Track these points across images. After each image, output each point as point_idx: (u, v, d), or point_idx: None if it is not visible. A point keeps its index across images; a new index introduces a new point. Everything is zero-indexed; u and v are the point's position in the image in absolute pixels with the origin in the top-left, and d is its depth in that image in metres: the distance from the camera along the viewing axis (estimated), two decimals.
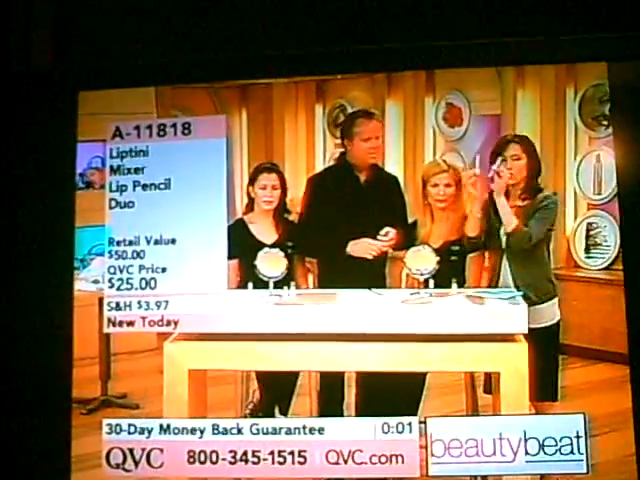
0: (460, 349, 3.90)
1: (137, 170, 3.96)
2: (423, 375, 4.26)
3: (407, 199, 4.52)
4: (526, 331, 3.88)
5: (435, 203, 4.38)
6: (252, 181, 4.52)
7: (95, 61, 4.03)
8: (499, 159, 4.17)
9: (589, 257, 5.20)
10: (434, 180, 4.37)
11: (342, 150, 4.59)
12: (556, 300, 4.21)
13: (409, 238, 4.36)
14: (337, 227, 4.40)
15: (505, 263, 4.19)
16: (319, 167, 5.64)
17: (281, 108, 5.78)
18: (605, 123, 5.16)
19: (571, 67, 4.96)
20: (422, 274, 4.16)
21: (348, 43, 3.89)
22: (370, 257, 4.32)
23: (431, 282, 4.13)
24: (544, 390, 4.03)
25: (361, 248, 4.33)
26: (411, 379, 4.18)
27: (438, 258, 4.16)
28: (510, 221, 4.16)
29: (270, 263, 4.24)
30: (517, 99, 5.24)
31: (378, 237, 4.34)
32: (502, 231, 4.21)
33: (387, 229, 4.33)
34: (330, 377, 4.35)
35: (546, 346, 4.08)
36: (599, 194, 5.27)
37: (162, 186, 3.95)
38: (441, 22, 3.92)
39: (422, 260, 4.16)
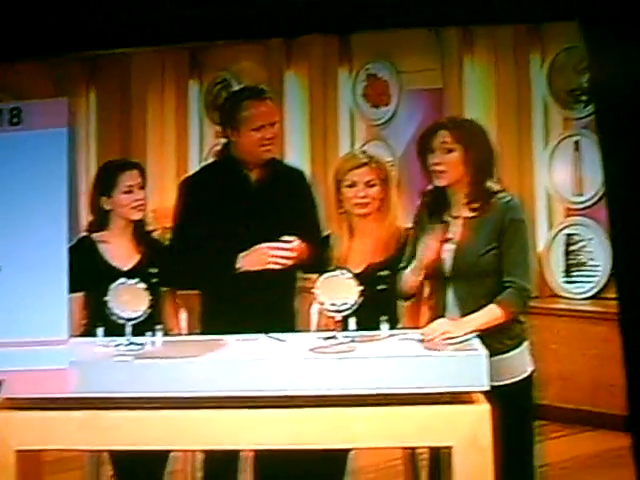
0: (395, 416, 3.37)
1: None
2: (344, 454, 3.90)
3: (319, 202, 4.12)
4: (487, 388, 3.33)
5: (354, 209, 3.87)
6: (107, 188, 4.00)
7: None
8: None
9: (570, 282, 4.67)
10: (351, 177, 3.85)
11: (225, 141, 4.08)
12: (526, 345, 3.68)
13: (320, 259, 3.86)
14: (220, 246, 3.88)
15: (450, 295, 3.67)
16: (193, 166, 5.11)
17: (142, 86, 5.29)
18: (584, 98, 4.73)
19: (534, 26, 4.49)
20: (339, 310, 3.59)
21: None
22: (274, 266, 3.82)
23: (352, 322, 3.59)
24: (515, 471, 3.53)
25: (255, 258, 3.86)
26: (328, 460, 3.74)
27: (361, 287, 3.58)
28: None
29: (127, 299, 3.70)
30: (464, 68, 4.73)
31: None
32: (447, 251, 3.68)
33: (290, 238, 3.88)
34: (216, 459, 3.92)
35: (516, 409, 3.57)
36: (580, 195, 4.76)
37: None
38: None
39: (339, 291, 3.59)
